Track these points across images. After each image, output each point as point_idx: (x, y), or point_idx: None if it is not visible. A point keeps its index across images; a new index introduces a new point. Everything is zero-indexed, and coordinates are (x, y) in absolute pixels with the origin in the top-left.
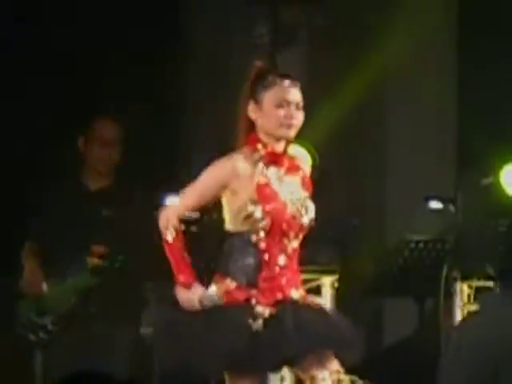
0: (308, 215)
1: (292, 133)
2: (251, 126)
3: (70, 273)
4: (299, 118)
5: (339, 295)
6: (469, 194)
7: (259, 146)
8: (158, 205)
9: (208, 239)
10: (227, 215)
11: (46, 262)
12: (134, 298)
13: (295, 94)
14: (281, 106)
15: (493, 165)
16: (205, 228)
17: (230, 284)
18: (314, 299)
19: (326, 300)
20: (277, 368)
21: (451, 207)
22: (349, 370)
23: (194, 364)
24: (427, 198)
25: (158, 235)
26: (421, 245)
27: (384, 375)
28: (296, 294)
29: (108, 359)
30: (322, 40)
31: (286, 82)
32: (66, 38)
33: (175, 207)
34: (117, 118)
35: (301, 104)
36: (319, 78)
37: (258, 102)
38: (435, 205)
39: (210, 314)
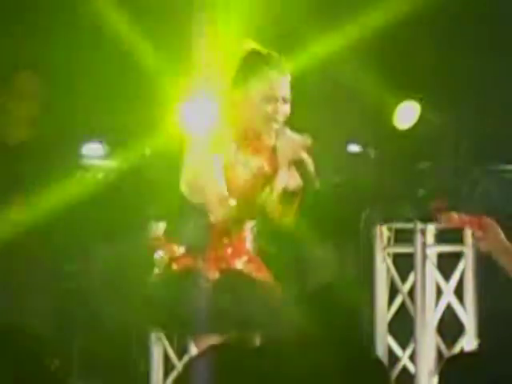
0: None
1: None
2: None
3: None
4: (286, 112)
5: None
6: (387, 137)
7: (235, 127)
8: (77, 154)
9: (129, 186)
10: (186, 179)
11: None
12: (55, 249)
13: (284, 89)
14: (268, 101)
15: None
16: (124, 175)
17: (177, 250)
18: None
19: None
20: (228, 331)
21: (370, 150)
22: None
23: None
24: (347, 142)
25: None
26: (340, 188)
27: (307, 319)
28: (239, 263)
29: (30, 311)
30: None
31: (276, 74)
32: None
33: (217, 199)
34: (35, 70)
35: (288, 98)
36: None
37: (245, 91)
38: (354, 148)
39: (159, 278)
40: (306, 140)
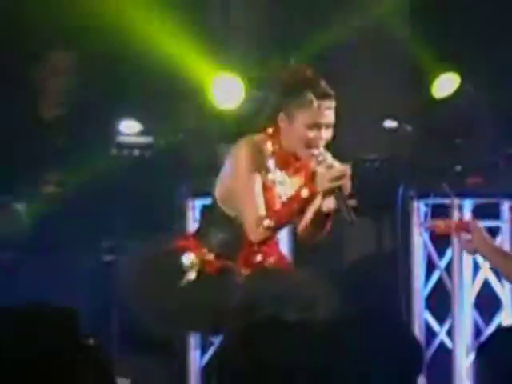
0: None
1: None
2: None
3: (25, 200)
4: (328, 137)
5: None
6: (425, 112)
7: (276, 146)
8: (113, 131)
9: (165, 162)
10: (222, 188)
11: (3, 189)
12: (92, 224)
13: (328, 116)
14: (311, 129)
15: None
16: (160, 152)
17: (208, 255)
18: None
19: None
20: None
21: (406, 126)
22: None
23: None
24: (382, 117)
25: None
26: (376, 164)
27: (343, 293)
28: (267, 264)
29: (69, 287)
30: None
31: (322, 104)
32: None
33: (253, 220)
34: (72, 48)
35: (332, 124)
36: None
37: (289, 115)
38: (390, 124)
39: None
40: (346, 168)
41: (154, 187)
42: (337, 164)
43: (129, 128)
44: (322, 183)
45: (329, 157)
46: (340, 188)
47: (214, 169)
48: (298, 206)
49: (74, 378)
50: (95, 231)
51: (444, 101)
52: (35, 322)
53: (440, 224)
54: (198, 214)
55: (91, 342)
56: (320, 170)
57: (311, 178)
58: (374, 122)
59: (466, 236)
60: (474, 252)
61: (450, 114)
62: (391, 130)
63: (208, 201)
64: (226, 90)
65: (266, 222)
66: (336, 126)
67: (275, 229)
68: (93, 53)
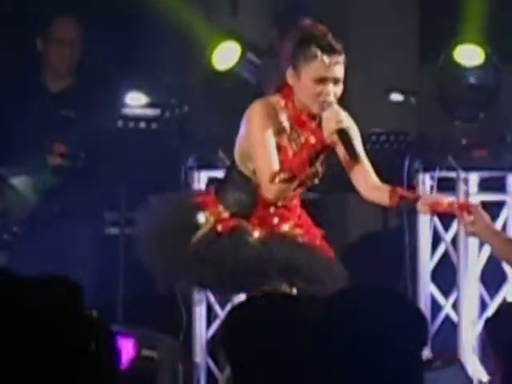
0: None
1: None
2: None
3: (30, 172)
4: (337, 92)
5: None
6: (429, 85)
7: (289, 104)
8: (119, 103)
9: (170, 135)
10: (239, 149)
11: (5, 161)
12: (97, 197)
13: (335, 71)
14: (318, 83)
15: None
16: (166, 125)
17: (223, 212)
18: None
19: None
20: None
21: (412, 99)
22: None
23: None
24: (388, 91)
25: None
26: (382, 137)
27: (349, 267)
28: (285, 227)
29: (72, 259)
30: None
31: (328, 58)
32: None
33: (268, 175)
34: (77, 18)
35: (340, 79)
36: None
37: (296, 70)
38: (396, 97)
39: (204, 238)
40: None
41: (159, 160)
42: (342, 110)
43: (135, 100)
44: (329, 125)
45: (335, 105)
46: (345, 130)
47: (220, 141)
48: (308, 154)
49: (76, 351)
50: (100, 204)
51: (465, 73)
52: (36, 294)
53: (442, 203)
54: (203, 187)
55: (94, 314)
56: (326, 115)
57: (319, 124)
58: (381, 94)
59: (467, 218)
60: (473, 234)
61: (475, 87)
62: (397, 103)
63: (214, 173)
64: (230, 57)
65: (280, 176)
66: (342, 99)
67: (289, 181)
68: (98, 24)
